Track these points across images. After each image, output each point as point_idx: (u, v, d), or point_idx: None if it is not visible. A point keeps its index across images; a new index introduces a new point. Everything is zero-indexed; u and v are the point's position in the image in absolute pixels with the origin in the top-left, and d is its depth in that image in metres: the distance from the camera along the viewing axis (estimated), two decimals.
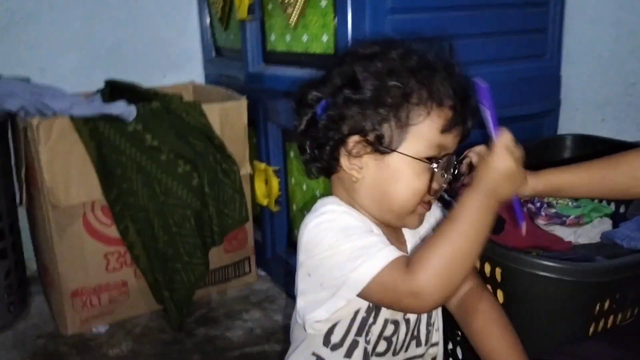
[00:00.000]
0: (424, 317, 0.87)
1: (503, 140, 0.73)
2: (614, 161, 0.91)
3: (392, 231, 0.84)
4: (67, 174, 1.57)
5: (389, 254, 0.74)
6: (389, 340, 0.83)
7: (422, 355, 0.88)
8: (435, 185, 0.79)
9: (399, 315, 0.83)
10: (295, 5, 1.55)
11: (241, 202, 1.79)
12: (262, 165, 1.85)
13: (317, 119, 0.80)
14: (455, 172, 0.81)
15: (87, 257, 1.66)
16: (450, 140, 0.79)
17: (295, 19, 1.57)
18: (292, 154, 1.80)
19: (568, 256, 1.16)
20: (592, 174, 0.92)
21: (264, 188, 1.87)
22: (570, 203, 1.39)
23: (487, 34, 1.53)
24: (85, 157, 1.57)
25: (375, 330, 0.82)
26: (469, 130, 0.80)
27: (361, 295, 0.75)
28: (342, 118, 0.77)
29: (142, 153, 1.62)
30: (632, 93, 1.56)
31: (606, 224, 1.33)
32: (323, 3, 1.47)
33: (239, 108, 1.80)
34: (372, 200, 0.81)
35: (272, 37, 1.72)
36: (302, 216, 0.85)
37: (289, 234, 1.91)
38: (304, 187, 1.77)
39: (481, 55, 1.52)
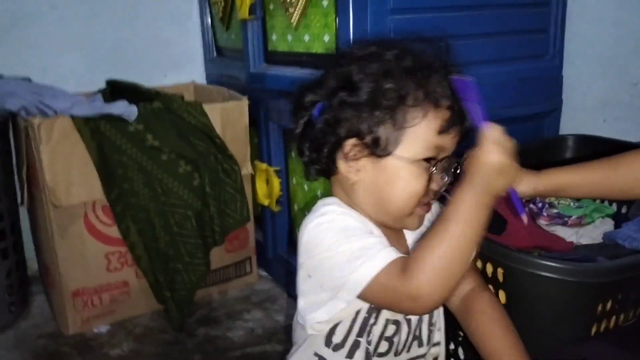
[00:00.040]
0: (426, 317, 0.87)
1: (491, 134, 0.71)
2: (615, 162, 0.91)
3: (393, 232, 0.84)
4: (68, 173, 1.57)
5: (387, 255, 0.73)
6: (390, 340, 0.83)
7: (424, 355, 0.88)
8: (434, 187, 0.79)
9: (400, 316, 0.83)
10: (297, 5, 1.55)
11: (242, 202, 1.79)
12: (264, 165, 1.84)
13: (314, 121, 0.80)
14: (457, 173, 0.81)
15: (88, 257, 1.66)
16: (448, 141, 0.78)
17: (296, 18, 1.57)
18: (293, 154, 1.80)
19: (570, 257, 1.16)
20: (594, 175, 0.92)
21: (265, 188, 1.87)
22: (572, 203, 1.39)
23: (489, 34, 1.52)
24: (87, 157, 1.57)
25: (377, 330, 0.82)
26: (468, 130, 0.79)
27: (361, 297, 0.75)
28: (338, 121, 0.77)
29: (143, 153, 1.62)
30: (633, 93, 1.56)
31: (608, 225, 1.33)
32: (324, 3, 1.47)
33: (240, 108, 1.80)
34: (370, 202, 0.80)
35: (274, 37, 1.72)
36: (303, 216, 0.85)
37: (290, 234, 1.91)
38: (305, 187, 1.77)
39: (483, 56, 1.52)
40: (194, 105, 1.70)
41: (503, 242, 1.06)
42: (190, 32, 2.26)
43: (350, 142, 0.77)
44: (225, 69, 2.12)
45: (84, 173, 1.58)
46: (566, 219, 1.33)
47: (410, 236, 0.88)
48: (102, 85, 2.01)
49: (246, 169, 1.84)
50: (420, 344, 0.87)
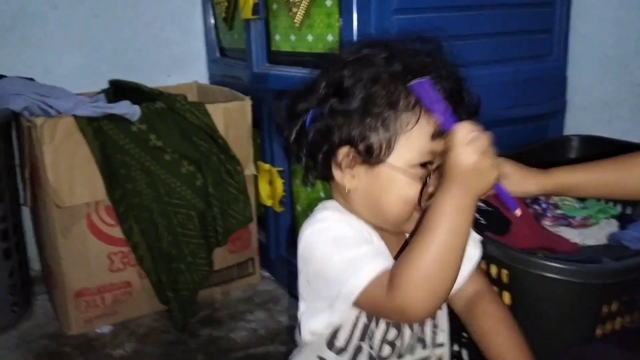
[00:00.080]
0: (429, 319, 0.86)
1: (461, 134, 0.68)
2: (628, 162, 0.91)
3: (393, 235, 0.83)
4: (71, 174, 1.57)
5: (374, 268, 0.72)
6: (392, 344, 0.83)
7: (428, 357, 0.88)
8: (431, 190, 0.76)
9: None
10: (300, 5, 1.55)
11: (245, 203, 1.79)
12: (267, 166, 1.84)
13: (306, 129, 0.79)
14: None
15: (91, 257, 1.66)
16: (443, 146, 0.75)
17: (300, 19, 1.57)
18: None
19: (575, 258, 1.15)
20: (606, 175, 0.91)
21: (268, 189, 1.86)
22: (576, 204, 1.38)
23: (493, 34, 1.52)
24: (90, 157, 1.57)
25: (378, 335, 0.82)
26: None
27: (355, 306, 0.75)
28: (330, 129, 0.76)
29: (146, 153, 1.62)
30: (638, 94, 1.55)
31: (613, 226, 1.33)
32: (328, 3, 1.46)
33: (243, 108, 1.80)
34: (366, 209, 0.79)
35: (277, 37, 1.72)
36: (306, 217, 0.85)
37: (293, 235, 1.91)
38: (308, 187, 1.76)
39: (487, 56, 1.52)
40: (196, 105, 1.70)
41: (507, 243, 1.05)
42: (193, 32, 2.26)
43: (343, 151, 0.76)
44: (228, 69, 2.12)
45: (87, 173, 1.58)
46: (571, 219, 1.33)
47: None
48: (105, 85, 2.01)
49: (249, 170, 1.83)
50: (424, 346, 0.86)
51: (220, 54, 2.23)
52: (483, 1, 1.49)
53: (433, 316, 0.87)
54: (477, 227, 0.97)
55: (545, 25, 1.63)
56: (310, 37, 1.56)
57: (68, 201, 1.58)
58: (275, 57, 1.76)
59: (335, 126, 0.75)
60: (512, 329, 0.87)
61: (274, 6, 1.69)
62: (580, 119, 1.70)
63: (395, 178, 0.75)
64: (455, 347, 1.08)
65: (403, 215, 0.77)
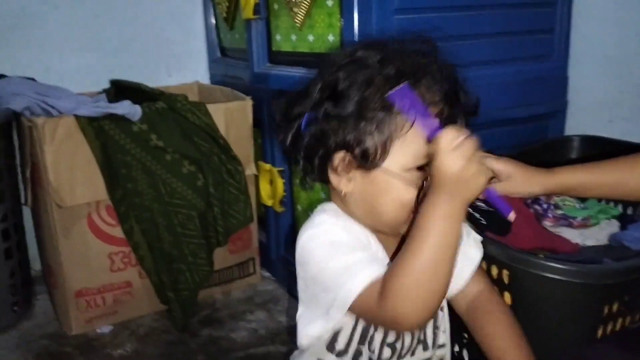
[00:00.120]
0: (430, 320, 0.86)
1: (445, 140, 0.67)
2: (628, 163, 0.90)
3: (392, 237, 0.82)
4: (72, 173, 1.57)
5: (367, 275, 0.72)
6: (392, 346, 0.83)
7: (429, 358, 0.88)
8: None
9: None
10: (301, 5, 1.55)
11: (246, 203, 1.79)
12: (267, 166, 1.84)
13: (302, 133, 0.78)
14: None
15: (92, 257, 1.66)
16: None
17: (301, 18, 1.57)
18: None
19: (575, 258, 1.15)
20: (610, 175, 0.91)
21: (269, 189, 1.86)
22: (577, 205, 1.38)
23: (494, 34, 1.52)
24: (91, 157, 1.57)
25: (378, 337, 0.82)
26: None
27: (351, 313, 0.75)
28: (325, 134, 0.75)
29: (147, 153, 1.62)
30: (639, 94, 1.55)
31: (613, 226, 1.33)
32: (329, 3, 1.46)
33: (244, 108, 1.80)
34: (363, 212, 0.79)
35: (278, 37, 1.72)
36: (307, 217, 0.84)
37: (293, 235, 1.91)
38: None
39: (488, 56, 1.52)
40: (197, 105, 1.70)
41: (508, 243, 1.05)
42: (194, 32, 2.26)
43: (338, 156, 0.76)
44: (229, 69, 2.12)
45: (88, 173, 1.58)
46: (571, 220, 1.33)
47: None
48: (105, 85, 2.01)
49: (250, 170, 1.83)
50: (425, 347, 0.86)
51: (221, 54, 2.23)
52: (484, 1, 1.49)
53: (434, 317, 0.87)
54: (478, 227, 0.97)
55: (546, 25, 1.62)
56: (311, 37, 1.56)
57: (69, 201, 1.57)
58: (276, 57, 1.76)
59: (330, 130, 0.75)
60: (515, 330, 0.87)
61: (275, 6, 1.69)
62: (581, 119, 1.69)
63: (391, 182, 0.74)
64: (456, 348, 1.08)
65: (399, 219, 0.76)
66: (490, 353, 0.86)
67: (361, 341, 0.81)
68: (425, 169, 0.74)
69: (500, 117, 1.54)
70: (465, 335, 1.04)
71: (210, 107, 1.71)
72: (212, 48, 2.25)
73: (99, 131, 1.56)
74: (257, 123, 1.84)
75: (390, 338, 0.82)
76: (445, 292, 0.70)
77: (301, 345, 0.84)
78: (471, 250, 0.91)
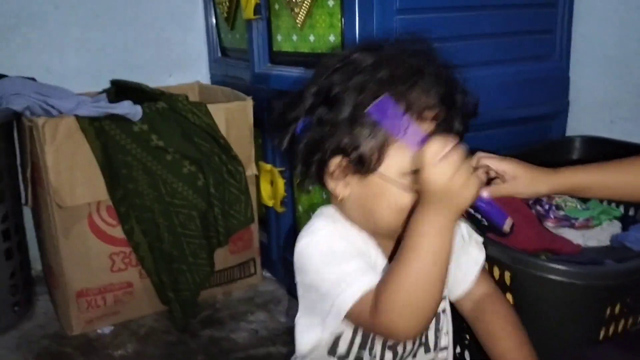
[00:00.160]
0: (432, 323, 0.86)
1: (429, 153, 0.65)
2: (639, 164, 0.90)
3: (391, 239, 0.81)
4: (73, 174, 1.56)
5: (362, 285, 0.71)
6: (394, 350, 0.82)
7: None
8: None
9: None
10: (302, 5, 1.54)
11: (247, 203, 1.79)
12: (268, 166, 1.84)
13: (297, 138, 0.78)
14: None
15: (92, 257, 1.66)
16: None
17: (302, 19, 1.57)
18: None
19: (577, 259, 1.15)
20: (618, 176, 0.90)
21: (270, 189, 1.86)
22: (579, 205, 1.38)
23: (495, 34, 1.52)
24: (91, 157, 1.57)
25: (379, 341, 0.81)
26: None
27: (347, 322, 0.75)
28: (320, 139, 0.74)
29: (148, 153, 1.62)
30: None
31: (615, 227, 1.32)
32: (330, 3, 1.46)
33: (244, 108, 1.80)
34: (360, 216, 0.79)
35: (279, 37, 1.72)
36: (308, 217, 0.84)
37: (294, 236, 1.90)
38: (310, 188, 1.75)
39: (489, 56, 1.51)
40: (198, 105, 1.70)
41: (510, 244, 1.05)
42: (194, 32, 2.26)
43: (334, 162, 0.75)
44: (229, 69, 2.11)
45: (88, 173, 1.58)
46: (573, 221, 1.32)
47: None
48: (106, 85, 2.01)
49: (250, 170, 1.83)
50: (427, 350, 0.86)
51: (222, 54, 2.23)
52: (485, 1, 1.49)
53: (436, 320, 0.87)
54: (479, 228, 0.97)
55: (548, 26, 1.62)
56: (312, 37, 1.56)
57: (69, 201, 1.57)
58: (277, 57, 1.75)
59: (325, 136, 0.74)
60: (519, 330, 0.87)
61: (276, 6, 1.69)
62: (582, 120, 1.69)
63: (388, 187, 0.73)
64: (458, 349, 1.08)
65: (397, 224, 0.75)
66: (493, 352, 0.86)
67: (362, 346, 0.81)
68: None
69: (501, 117, 1.53)
70: (467, 337, 1.04)
71: (211, 107, 1.71)
72: (213, 48, 2.25)
73: (99, 131, 1.56)
74: (258, 123, 1.84)
75: (391, 341, 0.82)
76: (438, 304, 0.70)
77: (299, 351, 0.83)
78: (474, 251, 0.91)
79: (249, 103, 1.80)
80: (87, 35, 2.07)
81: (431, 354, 0.86)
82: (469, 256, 0.90)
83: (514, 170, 0.93)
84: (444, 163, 0.64)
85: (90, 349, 1.62)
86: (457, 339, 1.04)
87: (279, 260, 1.94)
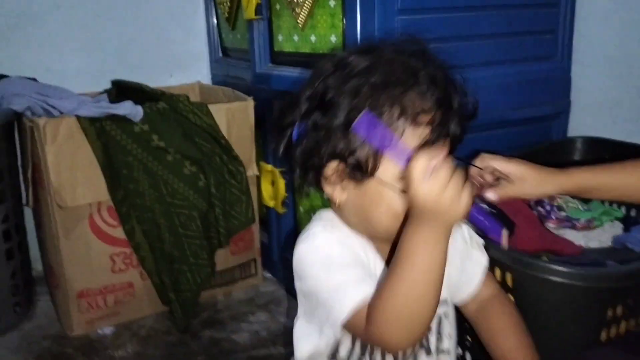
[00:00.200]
0: (434, 326, 0.85)
1: (416, 169, 0.63)
2: None
3: (389, 242, 0.79)
4: (74, 174, 1.56)
5: (357, 295, 0.71)
6: (394, 353, 0.82)
7: None
8: None
9: None
10: (304, 5, 1.54)
11: (247, 204, 1.79)
12: (269, 167, 1.84)
13: (294, 143, 0.77)
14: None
15: (93, 258, 1.66)
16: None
17: (303, 19, 1.56)
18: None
19: (579, 261, 1.15)
20: (629, 178, 0.90)
21: (271, 189, 1.86)
22: (580, 206, 1.38)
23: (497, 34, 1.51)
24: (92, 157, 1.57)
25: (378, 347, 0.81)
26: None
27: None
28: (315, 144, 0.74)
29: (149, 153, 1.61)
30: None
31: (617, 228, 1.32)
32: (331, 3, 1.46)
33: (245, 109, 1.80)
34: (358, 221, 0.78)
35: (280, 38, 1.72)
36: (309, 218, 0.84)
37: (295, 236, 1.90)
38: (311, 188, 1.75)
39: (490, 57, 1.51)
40: (199, 105, 1.70)
41: (511, 246, 1.05)
42: (195, 32, 2.26)
43: (331, 166, 0.74)
44: (230, 70, 2.11)
45: (89, 173, 1.58)
46: (575, 222, 1.32)
47: None
48: (107, 85, 2.01)
49: (252, 170, 1.83)
50: (428, 353, 0.86)
51: (223, 54, 2.22)
52: (487, 2, 1.49)
53: (438, 323, 0.86)
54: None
55: (550, 26, 1.62)
56: (313, 38, 1.55)
57: (70, 201, 1.57)
58: (278, 58, 1.75)
59: (320, 141, 0.73)
60: (522, 330, 0.87)
61: (277, 6, 1.68)
62: (584, 121, 1.69)
63: (384, 192, 0.73)
64: (459, 351, 1.08)
65: (394, 228, 0.74)
66: (495, 352, 0.86)
67: (362, 351, 0.80)
68: None
69: (502, 118, 1.53)
70: (469, 339, 1.04)
71: (212, 108, 1.71)
72: (214, 48, 2.25)
73: (100, 131, 1.56)
74: (259, 123, 1.84)
75: None
76: (431, 316, 0.69)
77: (298, 358, 0.83)
78: (477, 254, 0.91)
79: (250, 103, 1.80)
80: (88, 35, 2.07)
81: (432, 357, 0.86)
82: (472, 260, 0.90)
83: (521, 171, 0.92)
84: (432, 180, 0.63)
85: (91, 350, 1.62)
86: (459, 341, 1.04)
87: (280, 260, 1.94)
